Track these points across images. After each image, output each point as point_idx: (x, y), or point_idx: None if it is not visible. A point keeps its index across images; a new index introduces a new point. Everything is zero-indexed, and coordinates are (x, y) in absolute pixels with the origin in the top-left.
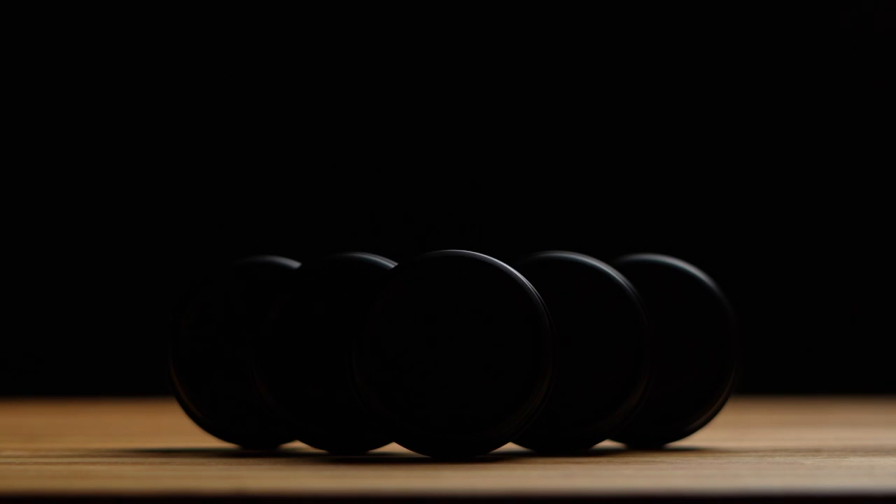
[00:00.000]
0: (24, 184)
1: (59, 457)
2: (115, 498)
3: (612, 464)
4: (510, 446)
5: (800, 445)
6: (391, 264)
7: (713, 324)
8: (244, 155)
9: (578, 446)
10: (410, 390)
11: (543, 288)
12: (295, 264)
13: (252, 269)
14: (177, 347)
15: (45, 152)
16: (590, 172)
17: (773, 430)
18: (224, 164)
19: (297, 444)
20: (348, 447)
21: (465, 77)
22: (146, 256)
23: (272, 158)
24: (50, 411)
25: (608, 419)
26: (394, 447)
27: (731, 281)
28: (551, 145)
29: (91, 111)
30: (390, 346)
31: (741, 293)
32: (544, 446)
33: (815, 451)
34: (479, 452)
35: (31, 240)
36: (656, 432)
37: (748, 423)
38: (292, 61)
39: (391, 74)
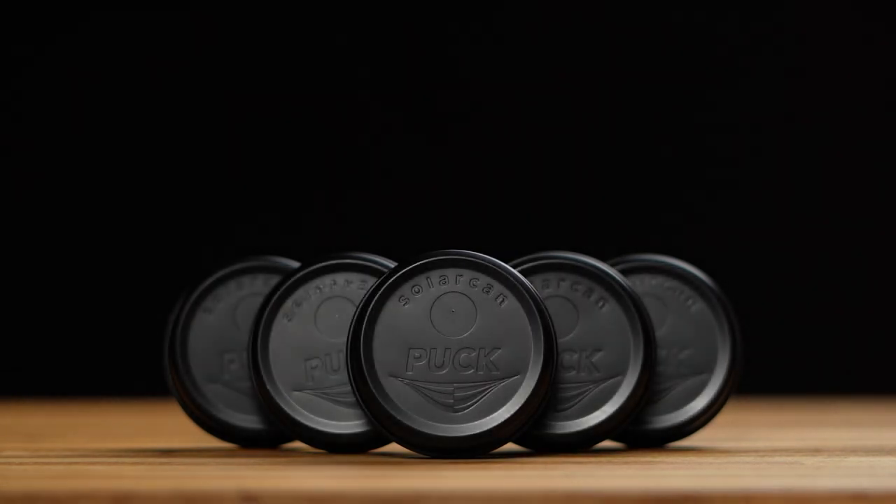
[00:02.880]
0: (25, 185)
1: (59, 457)
2: (115, 498)
3: (612, 464)
4: (510, 446)
5: (800, 445)
6: (391, 264)
7: (712, 323)
8: (244, 155)
9: (578, 446)
10: (410, 390)
11: (545, 288)
12: (295, 264)
13: (252, 269)
14: (177, 347)
15: (46, 154)
16: (590, 172)
17: (773, 430)
18: (224, 165)
19: (297, 444)
20: (348, 447)
21: (466, 77)
22: (146, 257)
23: (272, 158)
24: (50, 411)
25: (608, 419)
26: (394, 447)
27: (731, 281)
28: (551, 145)
29: (93, 112)
30: (390, 346)
31: (741, 293)
32: (544, 446)
33: (815, 451)
34: (480, 452)
35: (31, 241)
36: (656, 432)
37: (748, 423)
38: (293, 62)
39: (391, 75)
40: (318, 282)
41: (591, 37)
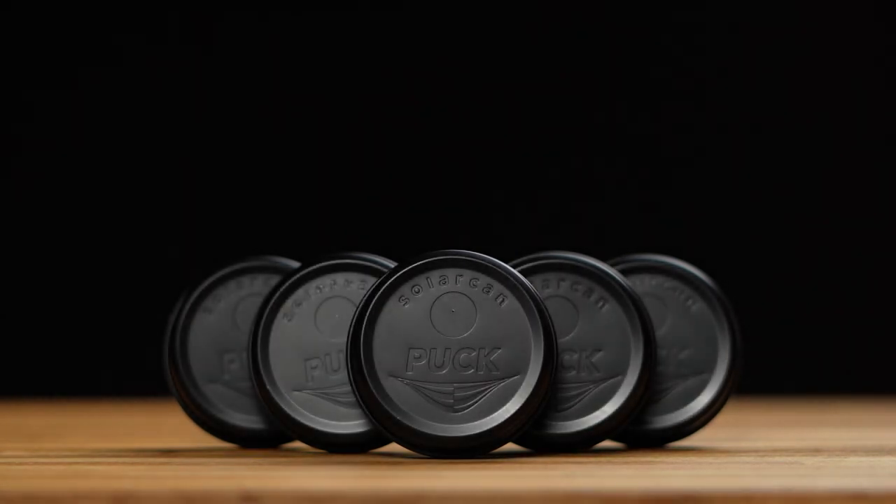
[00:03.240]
0: (25, 184)
1: (59, 457)
2: (115, 498)
3: (612, 464)
4: (510, 446)
5: (800, 445)
6: (391, 264)
7: (712, 323)
8: (244, 155)
9: (578, 446)
10: (410, 390)
11: (545, 288)
12: (295, 264)
13: (252, 269)
14: (177, 347)
15: (46, 153)
16: (590, 172)
17: (773, 430)
18: (224, 164)
19: (297, 444)
20: (348, 447)
21: (466, 76)
22: (146, 256)
23: (272, 158)
24: (50, 411)
25: (608, 419)
26: (394, 447)
27: (731, 281)
28: (552, 145)
29: (92, 110)
30: (390, 346)
31: (741, 293)
32: (544, 446)
33: (815, 451)
34: (480, 452)
35: (31, 240)
36: (656, 432)
37: (748, 423)
38: (293, 61)
39: (392, 74)
40: (318, 282)
41: (592, 36)
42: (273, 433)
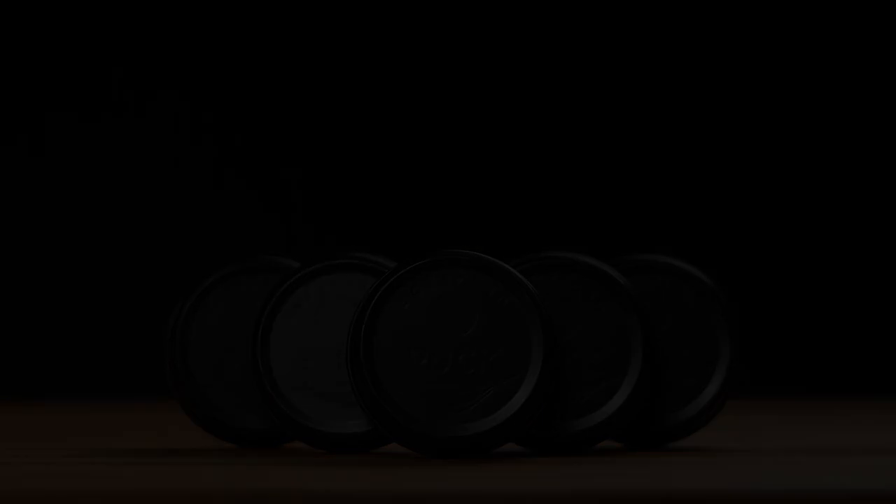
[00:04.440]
0: (25, 183)
1: (60, 457)
2: (115, 498)
3: (612, 464)
4: (510, 446)
5: (800, 445)
6: (391, 264)
7: (713, 323)
8: (244, 154)
9: (578, 446)
10: (411, 390)
11: (544, 288)
12: (295, 264)
13: (252, 269)
14: (176, 348)
15: (46, 152)
16: (590, 172)
17: (774, 430)
18: (224, 164)
19: (297, 444)
20: (348, 447)
21: (466, 75)
22: (146, 256)
23: (272, 158)
24: (50, 411)
25: (608, 419)
26: (394, 447)
27: (731, 281)
28: (552, 144)
29: (92, 109)
30: (391, 346)
31: (741, 293)
32: (544, 446)
33: (815, 451)
34: (480, 452)
35: (31, 240)
36: (656, 432)
37: (748, 424)
38: (293, 60)
39: (392, 73)
40: (318, 282)
41: (588, 33)
42: (273, 433)
